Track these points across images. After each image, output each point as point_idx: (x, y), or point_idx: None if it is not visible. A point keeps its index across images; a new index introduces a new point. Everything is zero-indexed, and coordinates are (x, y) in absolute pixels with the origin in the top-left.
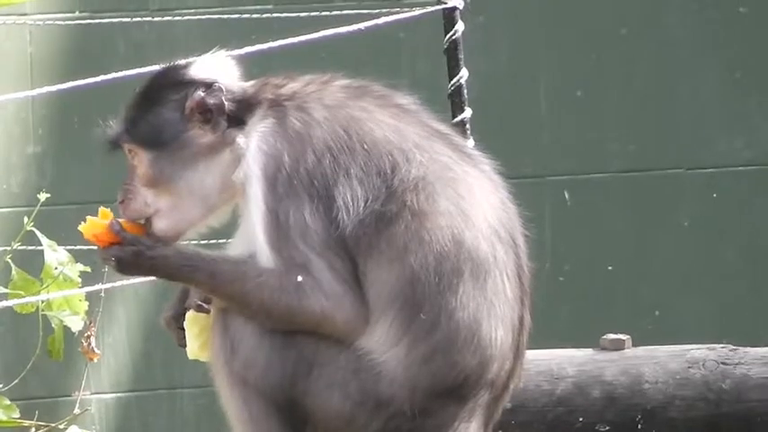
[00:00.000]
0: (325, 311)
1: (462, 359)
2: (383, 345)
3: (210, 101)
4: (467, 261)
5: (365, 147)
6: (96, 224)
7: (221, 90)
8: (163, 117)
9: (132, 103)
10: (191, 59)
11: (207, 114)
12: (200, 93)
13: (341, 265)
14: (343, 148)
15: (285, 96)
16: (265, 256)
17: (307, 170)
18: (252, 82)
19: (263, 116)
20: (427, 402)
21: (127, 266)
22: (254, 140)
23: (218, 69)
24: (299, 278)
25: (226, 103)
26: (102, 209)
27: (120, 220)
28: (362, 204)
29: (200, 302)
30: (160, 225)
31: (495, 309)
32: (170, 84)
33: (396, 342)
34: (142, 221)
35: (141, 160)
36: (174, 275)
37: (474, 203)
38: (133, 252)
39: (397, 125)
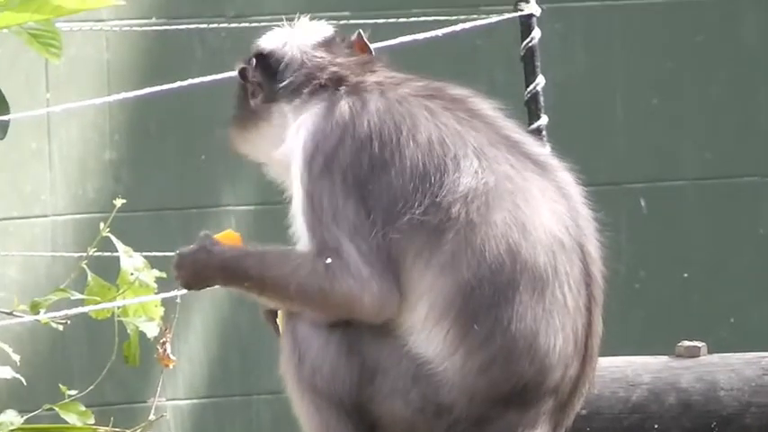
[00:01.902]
0: (354, 292)
1: (520, 368)
2: (441, 353)
3: (245, 71)
4: (523, 272)
5: (414, 146)
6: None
7: (251, 62)
8: (235, 94)
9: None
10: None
11: (254, 84)
12: (241, 64)
13: (368, 249)
14: (388, 142)
15: (350, 82)
16: (303, 239)
17: (345, 156)
18: (320, 50)
19: (322, 98)
20: (487, 409)
21: (186, 260)
22: (302, 120)
23: (283, 37)
24: (329, 260)
25: (258, 67)
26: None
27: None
28: (399, 205)
29: None
30: None
31: (553, 319)
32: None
33: (453, 351)
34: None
35: (235, 144)
36: (226, 267)
37: (533, 213)
38: (197, 245)
39: (460, 130)
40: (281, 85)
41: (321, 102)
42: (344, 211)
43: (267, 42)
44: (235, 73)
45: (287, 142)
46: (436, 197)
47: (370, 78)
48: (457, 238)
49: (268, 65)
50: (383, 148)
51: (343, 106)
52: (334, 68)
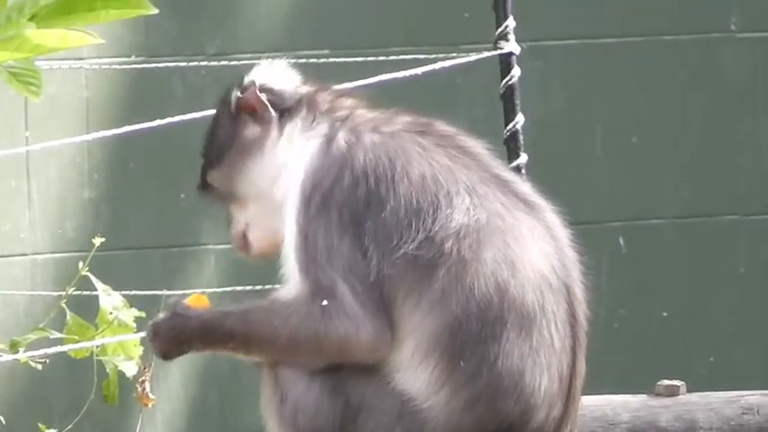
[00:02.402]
0: (349, 333)
1: (505, 406)
2: (425, 391)
3: (248, 96)
4: (511, 310)
5: (408, 182)
6: (191, 298)
7: (255, 84)
8: (218, 130)
9: (203, 136)
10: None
11: (253, 113)
12: (239, 93)
13: (363, 289)
14: (383, 178)
15: (342, 118)
16: (295, 279)
17: (341, 192)
18: (306, 86)
19: (317, 135)
20: None
21: (162, 328)
22: (301, 159)
23: (269, 72)
24: (325, 302)
25: (261, 94)
26: (196, 294)
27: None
28: (394, 241)
29: None
30: (252, 237)
31: (540, 358)
32: (223, 101)
33: (438, 388)
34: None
35: (220, 182)
36: (207, 331)
37: (522, 252)
38: (171, 312)
39: (451, 166)
40: (280, 115)
41: (317, 137)
42: (339, 249)
43: (261, 76)
44: (212, 111)
45: (282, 177)
46: (429, 232)
47: (362, 113)
48: (448, 275)
49: (268, 95)
50: (379, 184)
51: (340, 141)
52: (326, 104)
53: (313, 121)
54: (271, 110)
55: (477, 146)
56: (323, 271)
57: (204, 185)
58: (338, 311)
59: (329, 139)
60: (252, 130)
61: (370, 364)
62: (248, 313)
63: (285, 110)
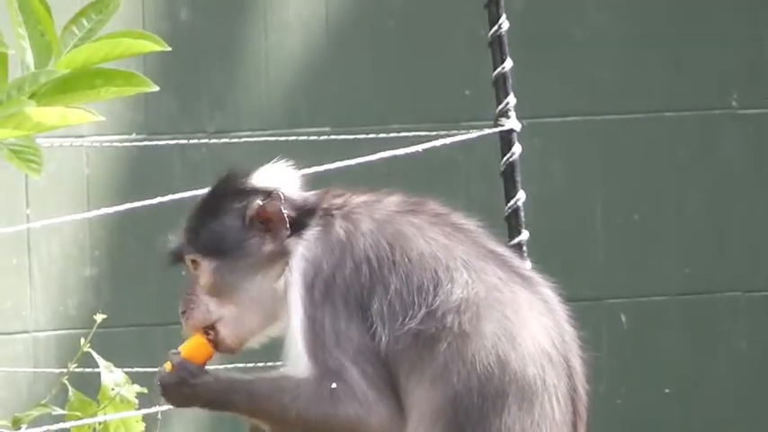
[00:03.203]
0: (360, 417)
1: None
2: None
3: (270, 209)
4: (512, 383)
5: (408, 262)
6: (191, 342)
7: (281, 198)
8: (224, 226)
9: (193, 213)
10: (251, 169)
11: (268, 223)
12: (260, 201)
13: (374, 372)
14: (384, 260)
15: (336, 206)
16: (302, 363)
17: (344, 278)
18: (313, 192)
19: (313, 225)
20: None
21: (170, 392)
22: (300, 249)
23: (280, 178)
24: (334, 385)
25: (285, 211)
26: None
27: (182, 347)
28: (400, 320)
29: None
30: (225, 332)
31: None
32: (231, 193)
33: None
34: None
35: (203, 270)
36: (214, 401)
37: (522, 325)
38: (178, 378)
39: (447, 243)
40: (295, 222)
41: (315, 228)
42: (347, 333)
43: (269, 181)
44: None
45: (285, 272)
46: (431, 307)
47: (354, 200)
48: (449, 349)
49: (288, 210)
50: (381, 267)
51: (338, 230)
52: (325, 198)
53: (314, 217)
54: (288, 227)
55: (469, 223)
56: (331, 355)
57: (177, 259)
58: (347, 395)
59: (326, 228)
60: (263, 243)
61: None
62: (255, 388)
63: (297, 223)
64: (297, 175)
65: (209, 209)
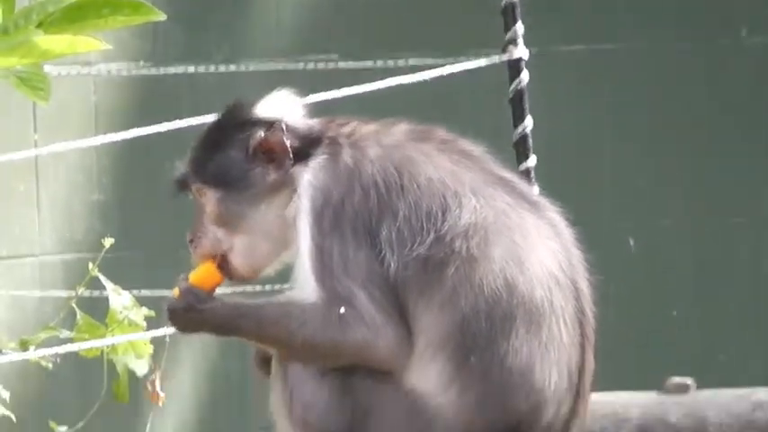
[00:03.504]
0: (368, 341)
1: (515, 404)
2: (435, 389)
3: (273, 140)
4: (519, 306)
5: (416, 188)
6: (200, 269)
7: (284, 129)
8: (229, 157)
9: (198, 143)
10: (255, 99)
11: (271, 154)
12: (263, 132)
13: (382, 296)
14: (392, 186)
15: (344, 134)
16: (311, 288)
17: (352, 205)
18: (317, 120)
19: (321, 153)
20: None
21: (178, 317)
22: (308, 176)
23: (283, 108)
24: (342, 310)
25: (288, 141)
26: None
27: (191, 273)
28: (409, 245)
29: None
30: (237, 261)
31: (549, 354)
32: (235, 123)
33: (448, 386)
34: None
35: (209, 199)
36: (222, 327)
37: (530, 249)
38: (186, 303)
39: (455, 170)
40: (299, 151)
41: (322, 155)
42: (355, 260)
43: (287, 117)
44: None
45: (293, 200)
46: (439, 233)
47: (361, 127)
48: (457, 274)
49: (292, 140)
50: (389, 193)
51: (346, 158)
52: (330, 127)
53: (321, 145)
54: (291, 156)
55: (477, 149)
56: (339, 281)
57: (183, 187)
58: (356, 319)
59: (334, 156)
60: (268, 173)
61: (390, 370)
62: (263, 314)
63: (302, 152)
64: (301, 103)
65: (213, 139)
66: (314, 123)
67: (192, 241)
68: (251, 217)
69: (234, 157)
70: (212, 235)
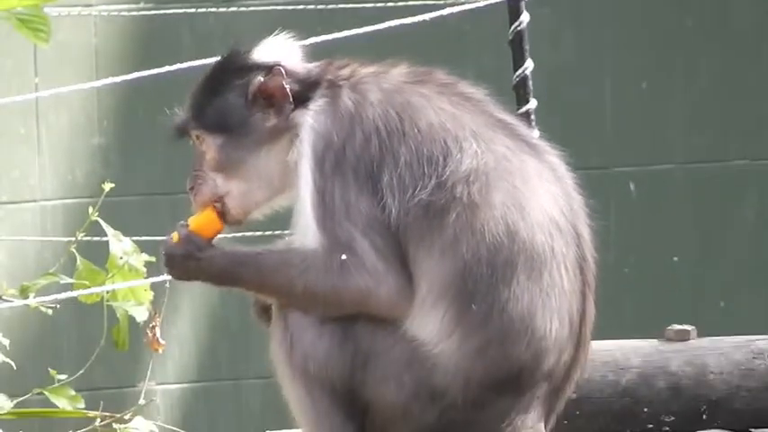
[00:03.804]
0: (370, 288)
1: (516, 351)
2: (436, 336)
3: (272, 85)
4: (521, 253)
5: (417, 132)
6: (200, 216)
7: (282, 74)
8: (228, 103)
9: (197, 89)
10: (253, 44)
11: (270, 99)
12: (261, 78)
13: (384, 243)
14: (393, 131)
15: (343, 77)
16: (311, 233)
17: (354, 150)
18: (316, 63)
19: (320, 96)
20: (481, 394)
21: (175, 264)
22: (308, 121)
23: (281, 52)
24: (343, 257)
25: (287, 86)
26: (207, 211)
27: (191, 219)
28: (410, 191)
29: None
30: (232, 203)
31: (550, 301)
32: (234, 69)
33: (449, 333)
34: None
35: (209, 146)
36: (220, 276)
37: (531, 195)
38: (184, 250)
39: (456, 113)
40: (299, 95)
41: (322, 98)
42: (357, 205)
43: (285, 60)
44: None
45: (294, 145)
46: (441, 178)
47: (360, 70)
48: (458, 220)
49: (291, 84)
50: (390, 138)
51: (346, 101)
52: (331, 74)
53: (320, 88)
54: (291, 100)
55: (477, 92)
56: (341, 226)
57: (182, 133)
58: (357, 266)
59: (334, 100)
60: (267, 118)
61: (391, 318)
62: (262, 261)
63: (301, 96)
64: (298, 46)
65: (212, 85)
66: (312, 67)
67: (192, 189)
68: (251, 163)
69: (233, 103)
70: (211, 181)
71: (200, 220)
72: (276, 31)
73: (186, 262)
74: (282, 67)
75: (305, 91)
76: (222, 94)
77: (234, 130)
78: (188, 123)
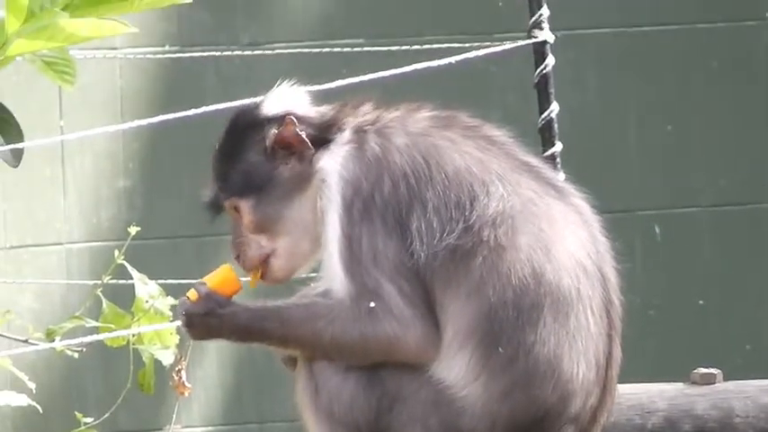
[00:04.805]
0: (398, 335)
1: (542, 394)
2: (462, 379)
3: (287, 134)
4: (547, 295)
5: (444, 177)
6: (218, 274)
7: (294, 121)
8: (249, 162)
9: (216, 158)
10: (259, 98)
11: (289, 148)
12: (275, 129)
13: (411, 290)
14: (421, 176)
15: (368, 122)
16: (339, 281)
17: (382, 196)
18: (327, 106)
19: (346, 141)
20: None
21: (195, 322)
22: (334, 166)
23: (289, 101)
24: (371, 304)
25: (302, 132)
26: (224, 265)
27: (208, 278)
28: (438, 236)
29: None
30: (277, 263)
31: (576, 343)
32: (246, 128)
33: (475, 376)
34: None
35: (244, 210)
36: (244, 331)
37: (557, 238)
38: (204, 308)
39: (482, 157)
40: (316, 138)
41: (348, 144)
42: (385, 251)
43: (295, 108)
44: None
45: (322, 191)
46: (468, 221)
47: (385, 114)
48: (485, 263)
49: (305, 130)
50: (419, 184)
51: (373, 146)
52: (350, 116)
53: (342, 134)
54: (310, 146)
55: (502, 135)
56: (368, 274)
57: (217, 208)
58: (385, 313)
59: (360, 145)
60: (291, 168)
61: (419, 365)
62: (287, 315)
63: (319, 140)
64: (305, 93)
65: (230, 150)
66: (324, 110)
67: (237, 257)
68: (287, 215)
69: (254, 161)
70: (255, 244)
71: (219, 279)
72: (279, 81)
73: (207, 320)
74: (293, 114)
75: (322, 133)
76: (241, 155)
77: (262, 187)
78: (218, 196)
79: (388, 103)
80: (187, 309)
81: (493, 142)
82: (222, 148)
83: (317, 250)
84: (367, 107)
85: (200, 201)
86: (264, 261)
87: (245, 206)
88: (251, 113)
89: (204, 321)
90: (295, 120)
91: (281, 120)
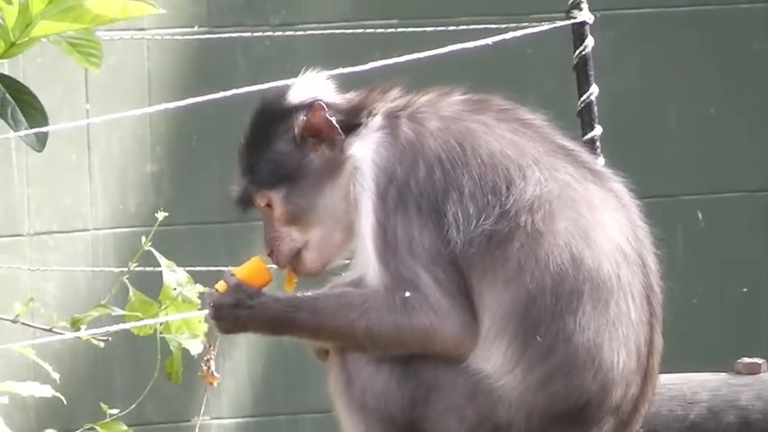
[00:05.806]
0: (434, 325)
1: (582, 383)
2: (499, 368)
3: (316, 120)
4: (586, 282)
5: (480, 162)
6: (248, 266)
7: (323, 107)
8: (278, 152)
9: (244, 150)
10: (284, 86)
11: (318, 135)
12: (303, 116)
13: (447, 279)
14: (456, 161)
15: (399, 107)
16: (373, 270)
17: (417, 183)
18: (354, 92)
19: (377, 127)
20: (546, 427)
21: (224, 314)
22: (367, 153)
23: (315, 88)
24: (407, 294)
25: (331, 117)
26: (255, 257)
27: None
28: (474, 222)
29: None
30: (309, 256)
31: (617, 331)
32: (272, 117)
33: (512, 365)
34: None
35: (275, 202)
36: (274, 322)
37: (596, 223)
38: (234, 299)
39: (517, 140)
40: (345, 124)
41: (381, 130)
42: (420, 239)
43: (323, 94)
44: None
45: (356, 179)
46: (504, 207)
47: (416, 99)
48: (522, 249)
49: (335, 115)
50: (454, 169)
51: (406, 131)
52: (380, 101)
53: (373, 120)
54: (340, 131)
55: (536, 118)
56: (404, 263)
57: (247, 203)
58: (421, 303)
59: (393, 130)
60: (322, 155)
61: (456, 357)
62: (320, 305)
63: (349, 126)
64: (331, 79)
65: (257, 141)
66: (352, 96)
67: (270, 253)
68: (320, 204)
69: (284, 151)
70: (287, 237)
71: (249, 270)
72: (304, 69)
73: (236, 311)
74: (321, 101)
75: (351, 119)
76: (269, 146)
77: (293, 177)
78: (248, 189)
79: (418, 87)
80: (215, 300)
81: (528, 125)
82: (249, 140)
83: (350, 240)
84: (396, 92)
85: (229, 195)
86: (297, 255)
87: (277, 198)
88: (277, 102)
89: (233, 313)
90: (323, 105)
91: (308, 107)
